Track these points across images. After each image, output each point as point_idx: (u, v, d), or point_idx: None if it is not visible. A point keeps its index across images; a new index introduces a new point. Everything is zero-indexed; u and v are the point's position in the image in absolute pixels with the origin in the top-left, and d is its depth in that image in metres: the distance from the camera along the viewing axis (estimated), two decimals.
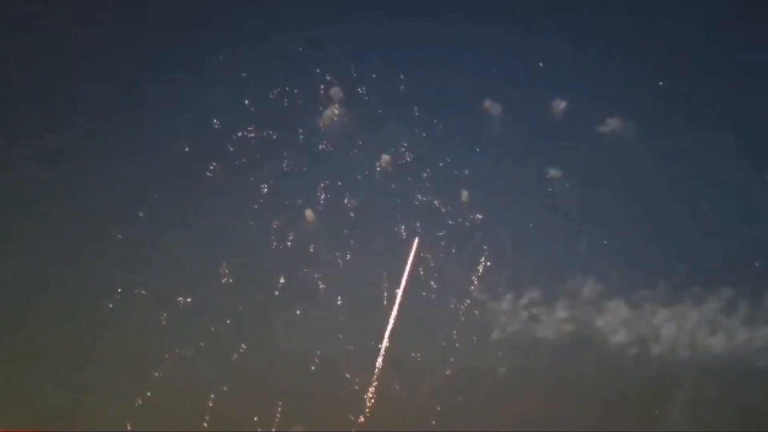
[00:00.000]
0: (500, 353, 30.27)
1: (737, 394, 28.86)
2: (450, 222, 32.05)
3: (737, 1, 33.19)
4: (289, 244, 31.78)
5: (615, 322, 30.08)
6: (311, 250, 31.87)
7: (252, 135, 32.76)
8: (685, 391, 29.06)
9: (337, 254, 31.88)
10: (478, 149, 33.47)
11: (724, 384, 29.00)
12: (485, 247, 31.73)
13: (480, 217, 32.00)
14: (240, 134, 32.70)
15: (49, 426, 28.01)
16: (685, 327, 29.90)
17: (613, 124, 32.01)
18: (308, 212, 32.37)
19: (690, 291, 29.94)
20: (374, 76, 33.86)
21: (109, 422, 28.75)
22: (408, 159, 33.01)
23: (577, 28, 33.81)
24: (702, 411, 28.76)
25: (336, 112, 33.13)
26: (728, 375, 29.10)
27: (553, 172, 31.91)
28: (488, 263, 31.88)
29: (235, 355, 29.82)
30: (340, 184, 32.92)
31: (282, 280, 31.05)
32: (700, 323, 29.85)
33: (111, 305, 30.22)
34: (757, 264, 29.97)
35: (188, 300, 30.57)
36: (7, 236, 31.15)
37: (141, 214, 31.71)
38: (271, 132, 33.24)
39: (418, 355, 30.17)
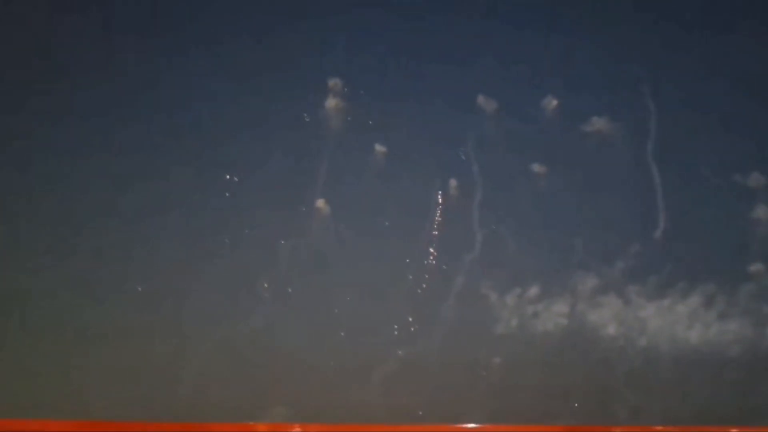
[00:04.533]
0: (496, 346, 31.36)
1: (711, 381, 30.62)
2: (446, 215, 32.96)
3: (730, 4, 34.08)
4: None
5: (606, 316, 31.50)
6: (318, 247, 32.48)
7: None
8: (664, 380, 30.72)
9: (340, 251, 32.47)
10: (472, 145, 34.25)
11: (700, 372, 30.74)
12: (482, 243, 32.76)
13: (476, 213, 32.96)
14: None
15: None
16: (668, 320, 31.57)
17: (602, 123, 33.11)
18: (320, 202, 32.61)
19: (676, 286, 31.54)
20: (367, 70, 34.28)
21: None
22: (404, 153, 33.67)
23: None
24: (680, 397, 30.46)
25: (329, 104, 33.29)
26: (704, 363, 30.87)
27: (539, 168, 32.85)
28: (486, 258, 32.91)
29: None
30: (332, 180, 33.38)
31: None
32: (682, 317, 31.51)
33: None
34: (734, 260, 31.67)
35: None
36: None
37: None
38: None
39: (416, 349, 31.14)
